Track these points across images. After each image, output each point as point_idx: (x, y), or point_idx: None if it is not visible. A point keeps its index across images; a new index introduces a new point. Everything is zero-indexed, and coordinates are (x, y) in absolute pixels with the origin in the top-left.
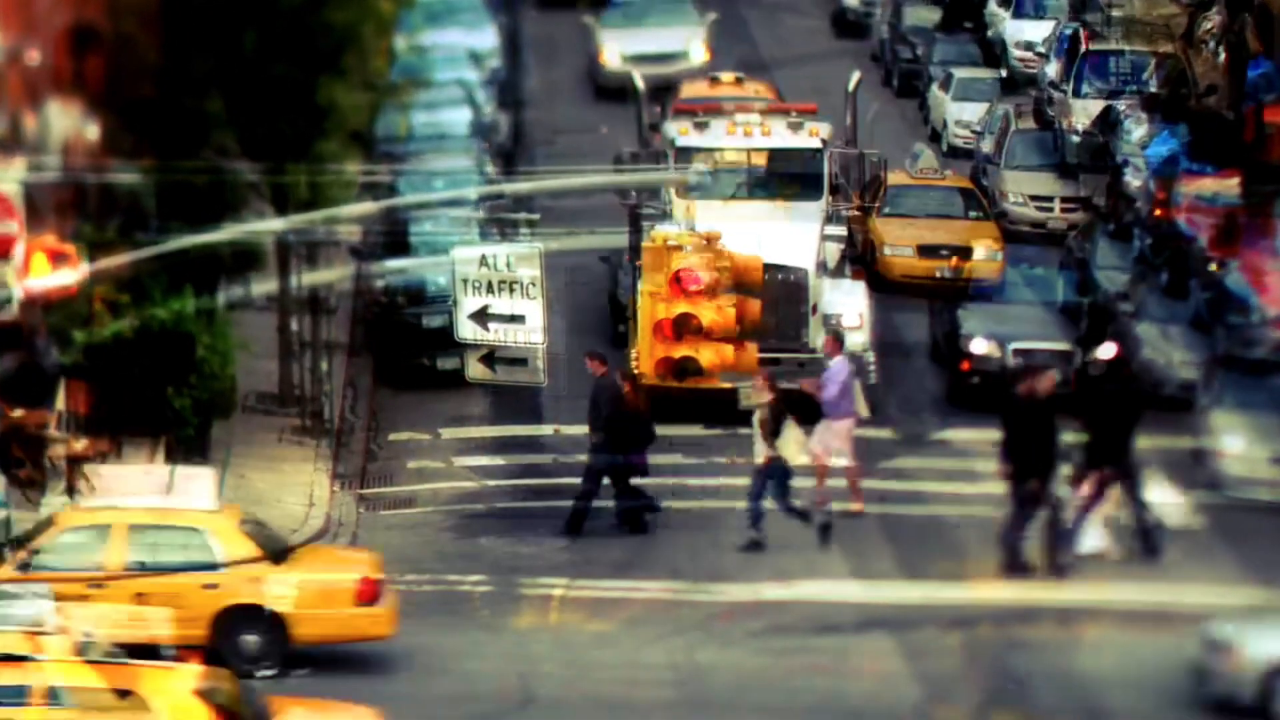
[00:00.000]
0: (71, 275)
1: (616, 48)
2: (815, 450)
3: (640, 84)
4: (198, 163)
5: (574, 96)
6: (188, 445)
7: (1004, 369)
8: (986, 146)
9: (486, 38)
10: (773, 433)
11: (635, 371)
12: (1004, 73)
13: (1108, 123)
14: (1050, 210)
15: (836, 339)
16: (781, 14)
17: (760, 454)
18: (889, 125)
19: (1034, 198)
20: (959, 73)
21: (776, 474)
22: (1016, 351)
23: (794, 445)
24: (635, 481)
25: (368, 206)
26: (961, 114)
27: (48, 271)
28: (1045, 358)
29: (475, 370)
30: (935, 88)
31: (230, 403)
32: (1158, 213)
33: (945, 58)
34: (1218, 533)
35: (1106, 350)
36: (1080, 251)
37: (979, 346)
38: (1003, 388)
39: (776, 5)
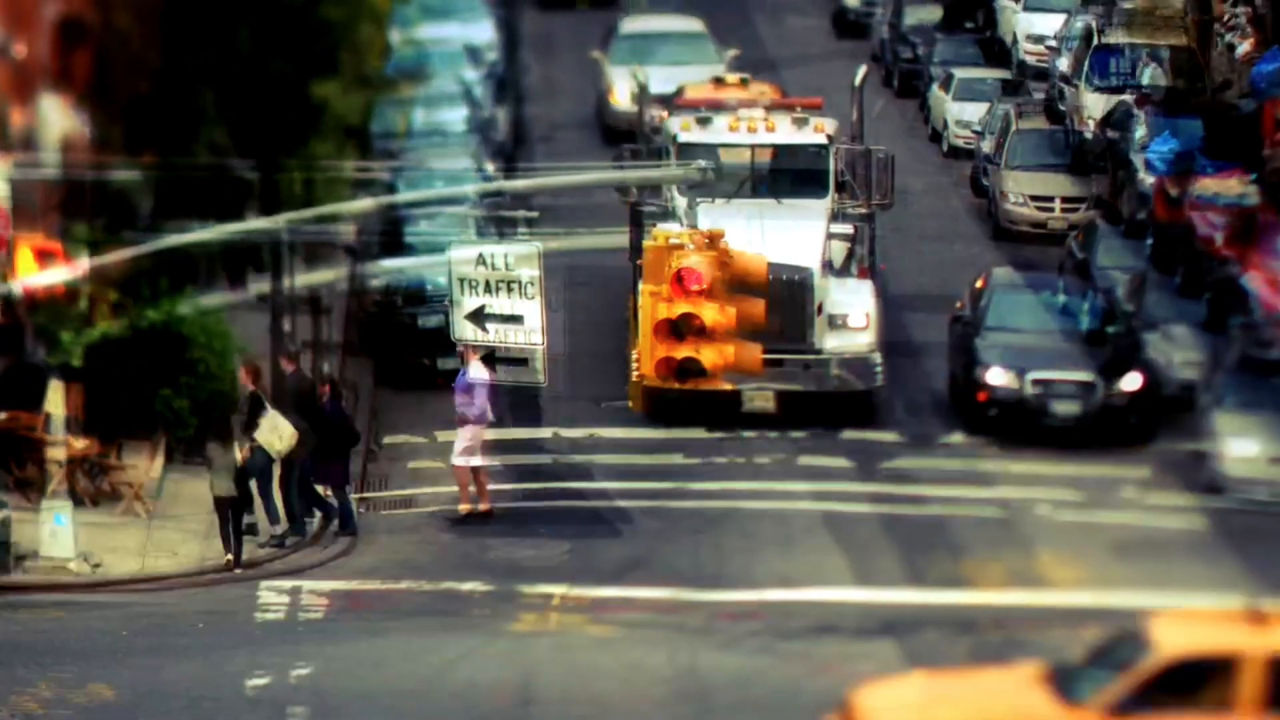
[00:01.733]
0: (60, 274)
1: (627, 87)
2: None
3: (644, 80)
4: (191, 159)
5: (573, 94)
6: (187, 446)
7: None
8: (987, 146)
9: (484, 33)
10: (247, 425)
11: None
12: (1014, 68)
13: (1113, 120)
14: (1050, 210)
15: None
16: (782, 14)
17: (239, 448)
18: (890, 125)
19: (1034, 198)
20: (959, 73)
21: (259, 466)
22: (1035, 382)
23: (271, 433)
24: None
25: (364, 204)
26: (962, 114)
27: (34, 270)
28: (1065, 388)
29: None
30: (936, 88)
31: (230, 402)
32: (1163, 211)
33: (946, 58)
34: (1219, 535)
35: (1132, 381)
36: (1081, 251)
37: (996, 377)
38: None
39: (777, 5)
